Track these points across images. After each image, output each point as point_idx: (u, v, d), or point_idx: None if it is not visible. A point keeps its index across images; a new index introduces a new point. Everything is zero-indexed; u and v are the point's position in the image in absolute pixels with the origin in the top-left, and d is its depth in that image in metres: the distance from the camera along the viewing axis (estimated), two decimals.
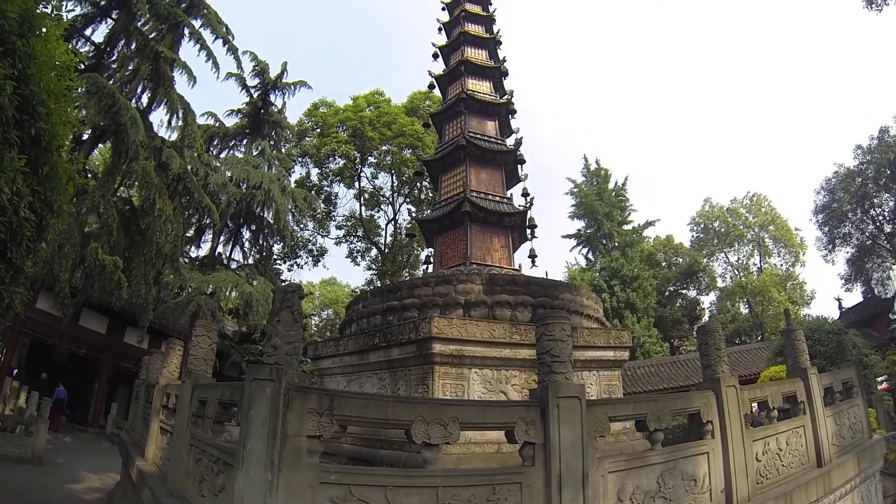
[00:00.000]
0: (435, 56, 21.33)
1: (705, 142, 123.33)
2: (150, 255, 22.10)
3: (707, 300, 55.56)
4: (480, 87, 19.30)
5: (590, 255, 50.48)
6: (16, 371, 21.49)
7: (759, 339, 45.01)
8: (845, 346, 12.92)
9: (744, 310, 52.40)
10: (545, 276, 15.51)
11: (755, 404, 8.71)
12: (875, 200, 39.07)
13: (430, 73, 20.59)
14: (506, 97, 19.51)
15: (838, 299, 36.58)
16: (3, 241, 7.38)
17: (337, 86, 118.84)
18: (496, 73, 19.94)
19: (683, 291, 54.57)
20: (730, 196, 65.93)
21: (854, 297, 39.26)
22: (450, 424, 5.08)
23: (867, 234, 40.52)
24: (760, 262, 54.60)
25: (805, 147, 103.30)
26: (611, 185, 50.15)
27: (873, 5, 22.46)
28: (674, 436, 8.05)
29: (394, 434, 9.20)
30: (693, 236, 57.41)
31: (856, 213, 39.67)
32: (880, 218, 39.93)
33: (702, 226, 56.80)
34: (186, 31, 24.16)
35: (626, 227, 49.01)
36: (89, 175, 22.05)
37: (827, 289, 66.11)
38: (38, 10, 7.74)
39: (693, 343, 41.32)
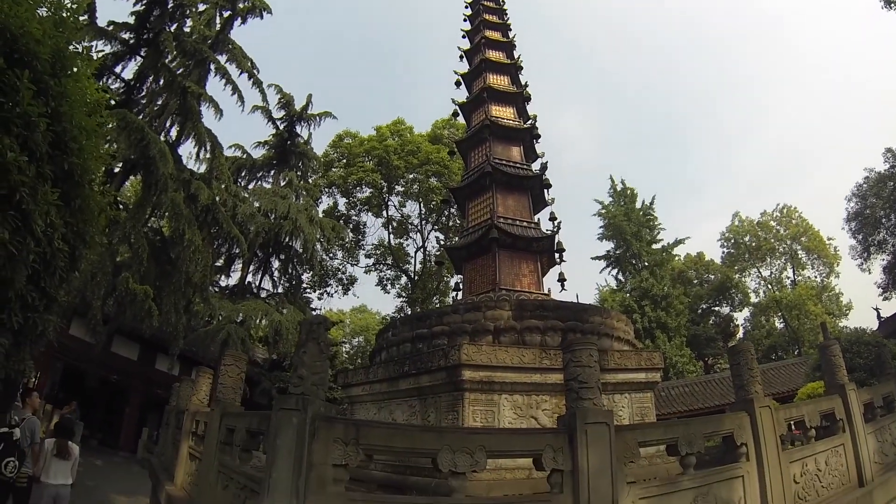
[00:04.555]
0: (458, 84, 21.52)
1: (732, 154, 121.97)
2: (179, 284, 22.42)
3: (741, 316, 54.39)
4: (504, 113, 19.37)
5: (620, 276, 50.01)
6: (33, 391, 21.71)
7: (796, 353, 43.70)
8: (884, 359, 12.54)
9: (779, 325, 51.19)
10: (575, 300, 15.37)
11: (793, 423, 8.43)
12: None
13: (453, 101, 20.75)
14: (529, 122, 19.55)
15: (877, 309, 35.32)
16: (37, 271, 7.59)
17: (359, 116, 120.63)
18: (519, 99, 20.01)
19: (716, 308, 53.45)
20: (759, 209, 64.74)
21: (893, 305, 37.71)
22: (476, 453, 5.01)
23: None
24: (794, 274, 53.43)
25: (832, 156, 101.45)
26: (638, 205, 49.81)
27: (892, 5, 22.32)
28: (710, 457, 7.85)
29: (424, 460, 9.18)
30: (724, 252, 56.40)
31: (889, 218, 37.76)
32: None
33: (732, 241, 55.76)
34: (212, 67, 24.76)
35: (655, 247, 48.45)
36: (121, 207, 22.48)
37: (864, 298, 63.79)
38: (69, 50, 7.98)
39: (728, 361, 40.33)
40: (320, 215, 38.19)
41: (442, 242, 40.65)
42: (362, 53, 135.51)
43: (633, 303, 41.84)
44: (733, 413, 6.80)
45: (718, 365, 44.38)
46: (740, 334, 51.34)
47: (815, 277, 52.70)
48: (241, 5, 25.57)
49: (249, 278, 35.02)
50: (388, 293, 49.88)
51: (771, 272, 54.58)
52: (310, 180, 40.14)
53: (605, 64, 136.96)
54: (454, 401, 10.68)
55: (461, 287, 17.83)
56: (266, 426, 5.31)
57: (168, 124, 23.81)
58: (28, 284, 7.58)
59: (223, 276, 35.98)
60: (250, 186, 36.85)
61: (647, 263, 46.40)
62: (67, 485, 9.11)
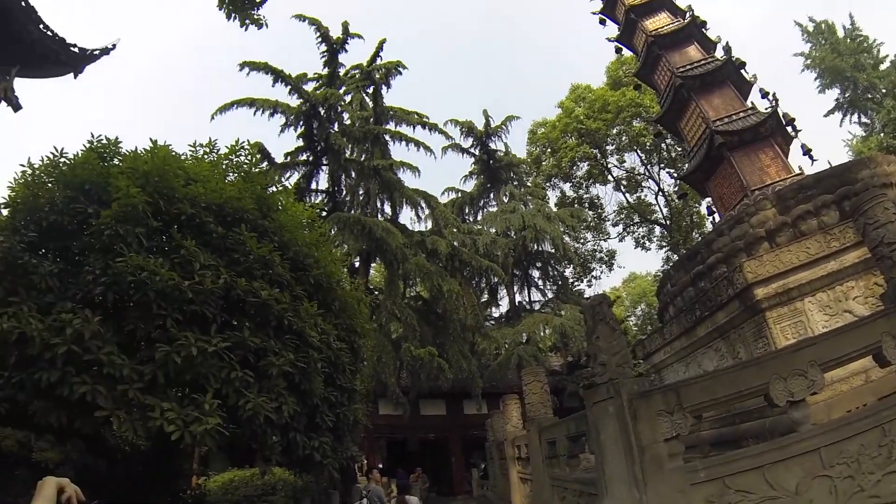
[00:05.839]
0: (602, 22, 20.63)
1: None
2: (456, 333, 23.97)
3: None
4: (659, 22, 18.21)
5: (863, 119, 42.80)
6: (381, 466, 24.06)
7: None
8: None
9: None
10: (829, 166, 13.52)
11: None
12: None
13: (608, 40, 20.02)
14: (688, 16, 18.07)
15: None
16: (329, 374, 8.81)
17: (530, 105, 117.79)
18: (665, 2, 18.65)
19: None
20: None
21: None
22: (809, 371, 4.36)
23: None
24: None
25: None
26: (841, 34, 41.97)
27: None
28: None
29: (748, 402, 8.32)
30: None
31: None
32: None
33: None
34: (387, 137, 26.42)
35: (882, 67, 40.70)
36: (375, 292, 24.37)
37: None
38: (267, 192, 9.34)
39: None
40: (554, 210, 38.20)
41: (675, 175, 38.82)
42: (492, 50, 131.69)
43: (892, 140, 35.63)
44: None
45: None
46: None
47: None
48: (377, 76, 26.84)
49: (517, 298, 35.99)
50: (649, 250, 47.76)
51: None
52: (528, 183, 40.49)
53: None
54: (757, 327, 9.83)
55: (713, 209, 16.71)
56: (585, 425, 5.22)
57: (379, 204, 25.83)
58: (327, 387, 8.81)
59: (493, 308, 37.59)
60: (479, 217, 38.11)
61: (884, 90, 39.25)
62: None
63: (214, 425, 6.47)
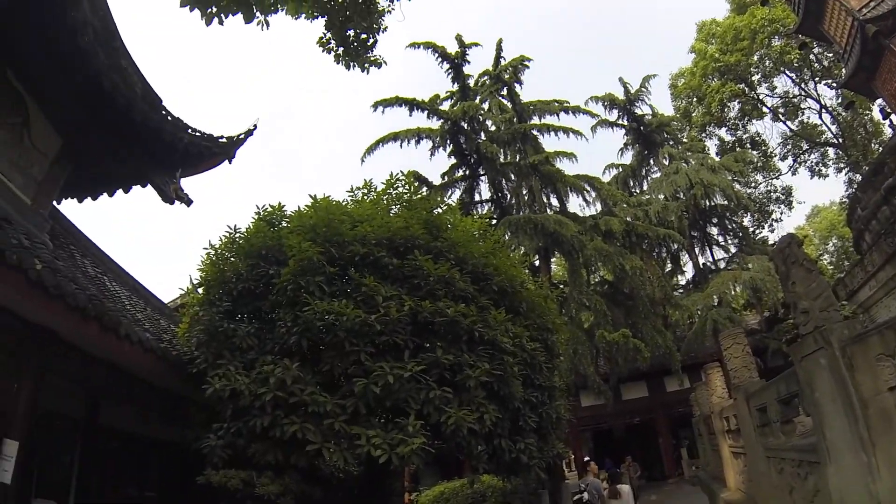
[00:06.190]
0: None
1: None
2: (646, 309, 23.54)
3: None
4: None
5: None
6: (587, 458, 24.19)
7: None
8: None
9: None
10: None
11: None
12: None
13: None
14: None
15: None
16: (526, 375, 9.16)
17: (654, 62, 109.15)
18: None
19: None
20: None
21: None
22: None
23: None
24: None
25: None
26: None
27: None
28: None
29: None
30: None
31: None
32: None
33: None
34: (534, 132, 26.38)
35: None
36: (561, 286, 24.30)
37: None
38: (434, 214, 9.87)
39: None
40: (717, 160, 36.01)
41: (834, 85, 35.14)
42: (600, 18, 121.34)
43: None
44: None
45: None
46: None
47: None
48: (506, 77, 27.10)
49: (700, 259, 34.54)
50: (826, 177, 42.37)
51: None
52: (683, 140, 38.81)
53: None
54: None
55: (888, 110, 14.98)
56: (795, 384, 4.84)
57: (545, 199, 25.98)
58: (526, 389, 9.18)
59: (678, 275, 36.25)
60: (644, 186, 36.94)
61: None
62: None
63: (419, 444, 7.00)
